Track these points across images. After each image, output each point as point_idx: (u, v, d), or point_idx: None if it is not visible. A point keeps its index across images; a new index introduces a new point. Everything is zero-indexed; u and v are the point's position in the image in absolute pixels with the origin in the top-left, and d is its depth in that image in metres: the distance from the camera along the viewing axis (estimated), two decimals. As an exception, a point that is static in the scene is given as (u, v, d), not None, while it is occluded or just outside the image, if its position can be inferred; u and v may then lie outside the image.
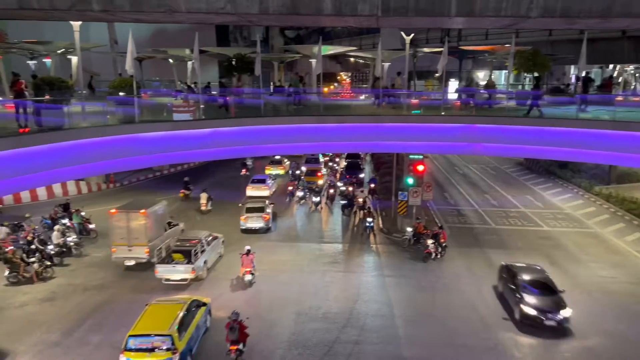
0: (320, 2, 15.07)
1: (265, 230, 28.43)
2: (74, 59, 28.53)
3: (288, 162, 44.56)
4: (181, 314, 15.54)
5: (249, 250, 21.13)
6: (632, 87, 47.33)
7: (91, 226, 27.29)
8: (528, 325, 17.79)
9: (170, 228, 25.64)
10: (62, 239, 24.02)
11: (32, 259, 21.60)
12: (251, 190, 34.78)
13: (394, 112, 24.15)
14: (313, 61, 34.83)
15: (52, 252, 22.92)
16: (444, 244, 24.37)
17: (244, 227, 28.10)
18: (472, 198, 36.14)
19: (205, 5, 14.97)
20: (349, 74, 78.07)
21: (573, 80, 40.95)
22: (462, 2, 15.15)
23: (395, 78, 28.66)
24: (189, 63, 35.41)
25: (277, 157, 43.82)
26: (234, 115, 22.43)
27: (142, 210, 22.83)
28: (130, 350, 14.39)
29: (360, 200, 31.07)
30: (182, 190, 34.92)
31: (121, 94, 20.90)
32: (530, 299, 18.01)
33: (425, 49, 42.22)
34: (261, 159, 44.36)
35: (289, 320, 18.40)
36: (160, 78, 44.52)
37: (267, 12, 15.27)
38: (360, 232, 28.56)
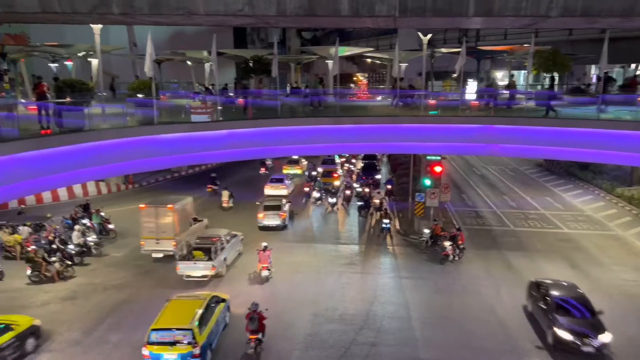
0: (337, 3, 15.08)
1: (282, 227, 28.91)
2: (94, 62, 29.01)
3: (305, 162, 45.09)
4: (201, 310, 15.97)
5: (265, 247, 21.65)
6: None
7: (110, 226, 27.68)
8: (562, 350, 16.13)
9: (195, 223, 26.55)
10: (82, 238, 24.39)
11: (54, 259, 21.97)
12: (269, 190, 35.46)
13: (411, 112, 24.03)
14: (330, 62, 34.84)
15: (73, 252, 23.28)
16: (461, 246, 24.16)
17: (261, 225, 28.68)
18: (490, 199, 35.78)
19: (224, 8, 15.07)
20: (366, 75, 77.86)
21: (594, 80, 40.29)
22: (481, 1, 15.02)
23: (415, 79, 28.54)
24: (207, 65, 35.72)
25: (295, 156, 44.19)
26: (252, 116, 22.56)
27: (170, 205, 23.88)
28: (153, 343, 14.78)
29: (377, 201, 30.96)
30: (210, 186, 36.44)
31: (140, 95, 21.15)
32: (564, 321, 16.23)
33: (443, 50, 41.88)
34: (279, 158, 44.67)
35: (305, 321, 18.41)
36: (178, 80, 44.94)
37: (284, 13, 15.33)
38: (377, 233, 28.46)
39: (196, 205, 28.74)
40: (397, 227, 29.38)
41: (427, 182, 27.38)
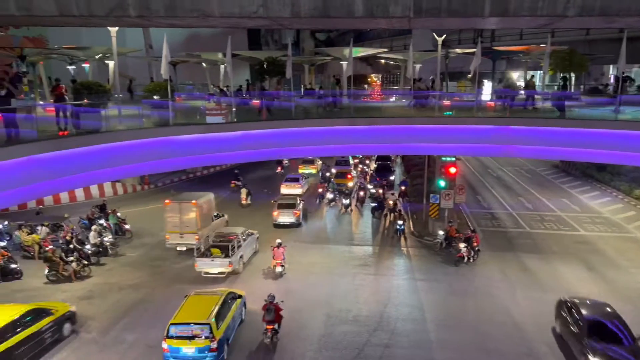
0: (351, 4, 15.05)
1: (297, 225, 29.54)
2: (111, 64, 29.31)
3: (320, 162, 45.62)
4: (218, 305, 16.34)
5: (279, 244, 22.29)
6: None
7: (126, 227, 27.98)
8: None
9: (216, 219, 27.53)
10: (99, 239, 24.68)
11: (71, 258, 22.26)
12: (285, 189, 36.18)
13: (426, 113, 23.90)
14: (344, 63, 34.80)
15: (90, 252, 23.58)
16: (476, 248, 23.97)
17: (276, 222, 29.42)
18: (505, 201, 35.45)
19: (238, 10, 15.14)
20: (380, 76, 77.65)
21: (612, 80, 39.71)
22: (496, 2, 14.86)
23: (432, 80, 28.38)
24: (222, 67, 35.90)
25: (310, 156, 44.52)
26: (265, 117, 22.64)
27: (193, 201, 24.96)
28: (172, 337, 15.20)
29: (391, 202, 30.84)
30: (233, 181, 37.99)
31: (156, 97, 21.35)
32: (600, 347, 14.43)
33: (458, 50, 41.62)
34: (295, 158, 45.00)
35: (318, 322, 18.41)
36: (193, 82, 45.26)
37: (298, 15, 15.34)
38: (391, 235, 28.37)
39: (217, 202, 29.57)
40: (411, 228, 29.25)
41: (442, 183, 27.21)
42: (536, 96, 25.28)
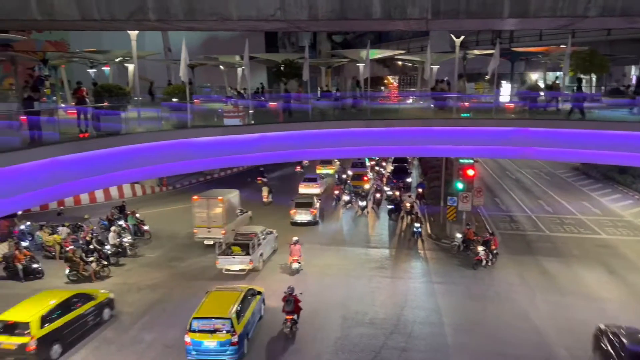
0: (369, 6, 15.01)
1: (314, 223, 30.20)
2: (131, 67, 29.71)
3: (338, 162, 46.37)
4: (239, 301, 16.71)
5: (296, 241, 22.95)
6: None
7: (145, 228, 28.29)
8: None
9: (240, 215, 28.82)
10: (118, 239, 24.98)
11: (91, 259, 22.58)
12: (303, 188, 36.91)
13: (443, 115, 23.74)
14: (361, 65, 34.75)
15: (109, 252, 23.89)
16: (495, 251, 23.72)
17: (293, 221, 30.27)
18: (524, 204, 35.03)
19: (256, 13, 15.21)
20: (396, 78, 77.39)
21: (634, 81, 39.00)
22: (516, 2, 14.69)
23: (448, 82, 28.15)
24: (239, 69, 36.12)
25: None
26: (282, 120, 22.72)
27: (220, 197, 26.23)
28: (194, 331, 15.56)
29: (408, 205, 30.70)
30: (259, 178, 39.66)
31: (174, 100, 21.56)
32: None
33: (476, 51, 41.32)
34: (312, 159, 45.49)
35: (335, 324, 18.38)
36: (211, 84, 45.64)
37: (316, 18, 15.36)
38: (408, 237, 28.22)
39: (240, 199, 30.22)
40: (429, 231, 29.06)
41: (460, 185, 26.98)
42: (559, 98, 24.94)
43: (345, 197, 34.46)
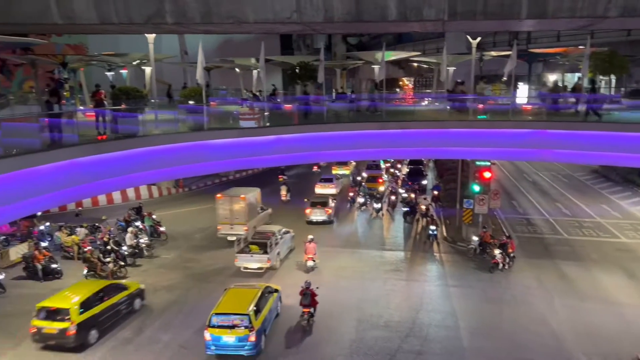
0: (385, 8, 14.98)
1: (329, 222, 30.77)
2: (148, 70, 30.00)
3: (354, 162, 46.78)
4: (256, 298, 17.20)
5: (311, 239, 23.41)
6: None
7: (162, 229, 28.54)
8: None
9: (262, 212, 29.83)
10: (135, 240, 25.25)
11: (108, 259, 22.87)
12: (319, 189, 37.35)
13: (459, 117, 23.57)
14: (376, 67, 34.66)
15: (126, 253, 24.16)
16: (511, 254, 23.48)
17: (308, 220, 30.93)
18: (542, 207, 34.59)
19: (272, 16, 15.28)
20: (412, 79, 77.02)
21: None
22: (534, 3, 14.53)
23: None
24: (255, 72, 36.27)
25: None
26: (298, 122, 22.73)
27: (242, 196, 27.20)
28: (214, 326, 16.07)
29: (423, 207, 30.53)
30: (280, 176, 41.02)
31: (191, 102, 21.72)
32: None
33: (493, 53, 40.94)
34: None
35: (349, 327, 18.35)
36: (227, 87, 45.91)
37: (331, 20, 15.37)
38: (423, 240, 28.05)
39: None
40: (444, 234, 28.86)
41: (476, 188, 26.73)
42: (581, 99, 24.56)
43: (360, 199, 34.39)
